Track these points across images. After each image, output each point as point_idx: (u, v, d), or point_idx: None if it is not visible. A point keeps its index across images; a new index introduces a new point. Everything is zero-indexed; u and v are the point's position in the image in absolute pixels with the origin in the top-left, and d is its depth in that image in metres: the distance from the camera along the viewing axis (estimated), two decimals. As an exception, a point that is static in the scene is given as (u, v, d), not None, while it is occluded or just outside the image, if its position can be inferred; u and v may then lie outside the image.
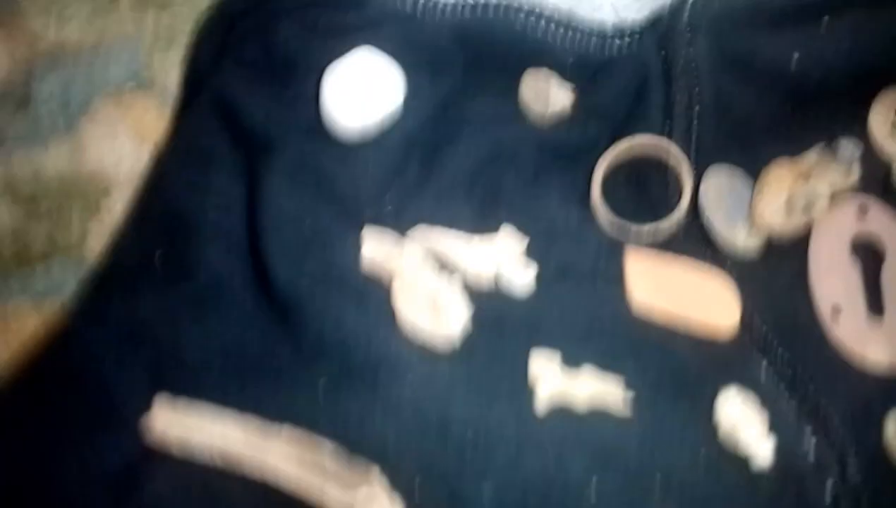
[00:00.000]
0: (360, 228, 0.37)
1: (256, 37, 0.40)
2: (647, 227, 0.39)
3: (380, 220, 0.38)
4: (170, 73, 0.43)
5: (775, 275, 0.38)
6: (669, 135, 0.40)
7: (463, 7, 0.42)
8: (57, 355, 0.35)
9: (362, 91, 0.37)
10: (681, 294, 0.36)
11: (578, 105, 0.42)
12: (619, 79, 0.41)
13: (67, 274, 0.40)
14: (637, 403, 0.33)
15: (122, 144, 0.42)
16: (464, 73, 0.41)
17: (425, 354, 0.34)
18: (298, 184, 0.37)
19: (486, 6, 0.42)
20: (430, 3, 0.41)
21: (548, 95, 0.42)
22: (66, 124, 0.42)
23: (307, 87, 0.39)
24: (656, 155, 0.40)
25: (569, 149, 0.40)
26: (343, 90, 0.37)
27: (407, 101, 0.39)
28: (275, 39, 0.40)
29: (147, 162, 0.41)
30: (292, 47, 0.39)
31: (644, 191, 0.40)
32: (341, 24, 0.40)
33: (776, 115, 0.40)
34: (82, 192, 0.41)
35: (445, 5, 0.41)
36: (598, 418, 0.32)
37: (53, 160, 0.42)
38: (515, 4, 0.42)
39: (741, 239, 0.39)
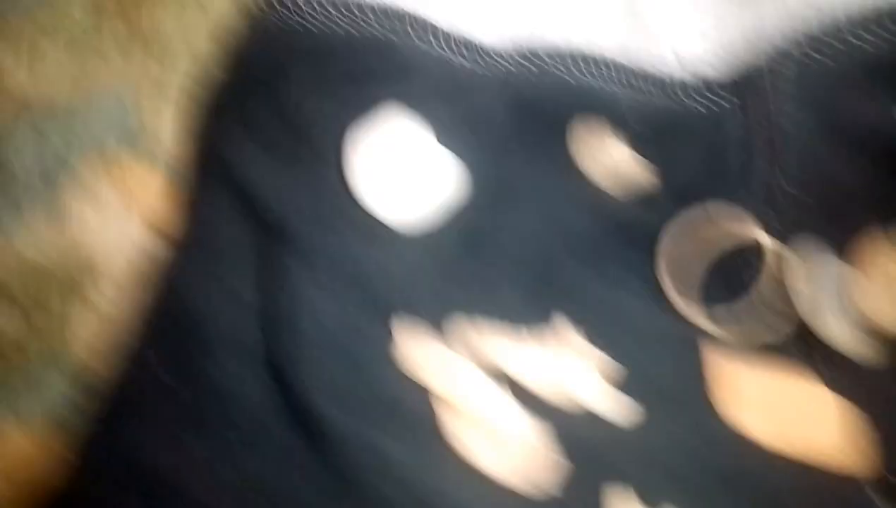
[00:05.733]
0: (398, 336, 0.31)
1: (265, 89, 0.33)
2: (728, 315, 0.33)
3: (423, 321, 0.32)
4: (164, 130, 0.37)
5: None
6: (751, 210, 0.35)
7: (509, 52, 0.35)
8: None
9: (402, 168, 0.31)
10: (780, 415, 0.31)
11: (644, 173, 0.36)
12: (690, 145, 0.35)
13: (51, 376, 0.34)
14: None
15: (111, 217, 0.36)
16: (509, 135, 0.35)
17: (483, 498, 0.29)
18: (329, 288, 0.31)
19: (536, 51, 0.35)
20: (473, 44, 0.35)
21: (610, 161, 0.36)
22: (44, 194, 0.36)
23: (327, 156, 0.32)
24: (737, 233, 0.35)
25: (636, 226, 0.35)
26: (374, 168, 0.31)
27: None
28: (284, 93, 0.33)
29: (142, 239, 0.35)
30: (305, 104, 0.33)
31: (726, 276, 0.35)
32: (363, 71, 0.33)
33: (877, 187, 0.35)
34: (65, 278, 0.35)
35: (490, 49, 0.35)
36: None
37: (30, 236, 0.36)
38: (567, 49, 0.36)
39: (846, 337, 0.33)
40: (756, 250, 0.34)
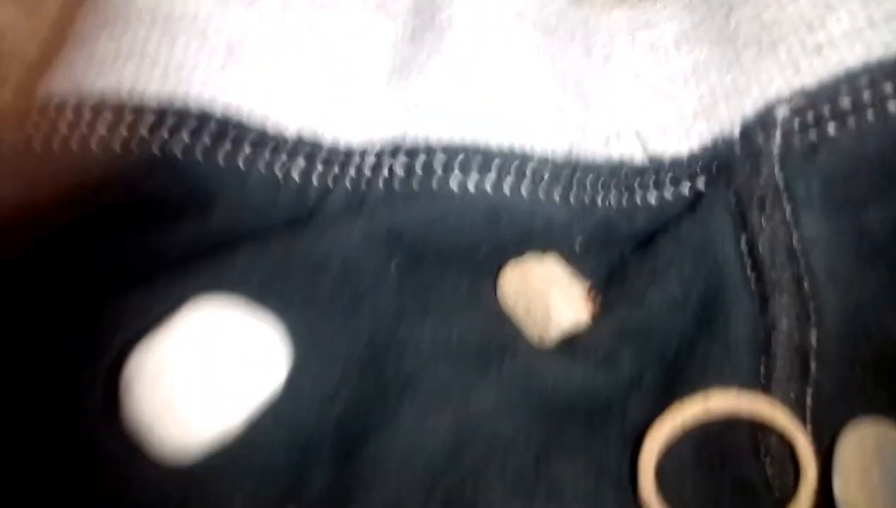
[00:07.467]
0: None
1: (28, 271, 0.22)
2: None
3: None
4: None
5: None
6: (767, 380, 0.23)
7: (388, 181, 0.24)
8: None
9: (207, 383, 0.20)
10: None
11: (601, 319, 0.24)
12: (667, 268, 0.24)
13: None
14: None
15: None
16: (398, 290, 0.24)
17: None
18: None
19: (428, 166, 0.24)
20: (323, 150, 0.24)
21: (548, 306, 0.25)
22: None
23: (95, 368, 0.21)
24: (748, 418, 0.23)
25: (589, 401, 0.23)
26: (168, 387, 0.20)
27: (294, 379, 0.21)
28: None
29: None
30: (79, 297, 0.22)
31: (731, 478, 0.23)
32: (163, 250, 0.22)
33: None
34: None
35: (356, 190, 0.24)
36: None
37: None
38: (474, 146, 0.25)
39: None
40: (781, 443, 0.22)
